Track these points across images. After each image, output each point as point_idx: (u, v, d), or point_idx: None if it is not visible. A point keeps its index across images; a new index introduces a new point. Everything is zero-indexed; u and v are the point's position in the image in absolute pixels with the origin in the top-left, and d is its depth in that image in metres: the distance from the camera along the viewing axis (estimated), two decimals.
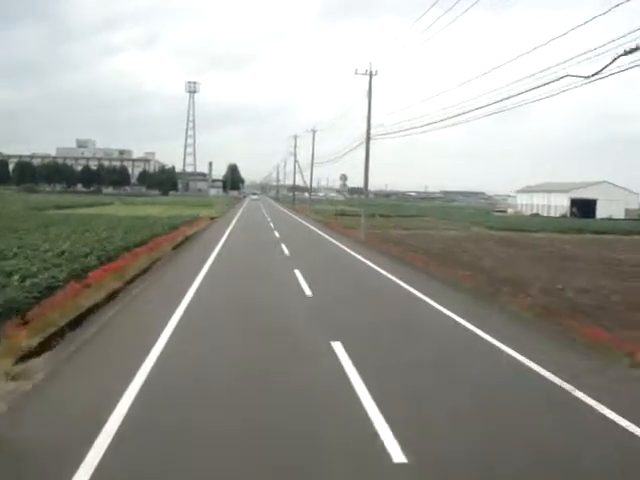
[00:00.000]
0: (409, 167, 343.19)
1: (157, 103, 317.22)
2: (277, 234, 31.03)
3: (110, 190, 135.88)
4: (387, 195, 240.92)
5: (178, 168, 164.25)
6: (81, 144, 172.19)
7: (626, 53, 10.26)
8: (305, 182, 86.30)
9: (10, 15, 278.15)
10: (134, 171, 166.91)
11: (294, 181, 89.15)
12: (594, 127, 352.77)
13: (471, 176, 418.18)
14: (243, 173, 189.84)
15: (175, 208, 65.92)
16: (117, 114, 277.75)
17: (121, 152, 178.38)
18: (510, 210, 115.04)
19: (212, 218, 46.16)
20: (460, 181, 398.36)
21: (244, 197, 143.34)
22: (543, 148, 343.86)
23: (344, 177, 35.90)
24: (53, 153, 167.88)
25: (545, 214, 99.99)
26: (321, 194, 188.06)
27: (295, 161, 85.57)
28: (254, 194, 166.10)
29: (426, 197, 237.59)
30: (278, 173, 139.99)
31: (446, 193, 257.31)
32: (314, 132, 61.32)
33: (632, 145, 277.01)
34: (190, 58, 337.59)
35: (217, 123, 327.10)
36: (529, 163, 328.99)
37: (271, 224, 40.91)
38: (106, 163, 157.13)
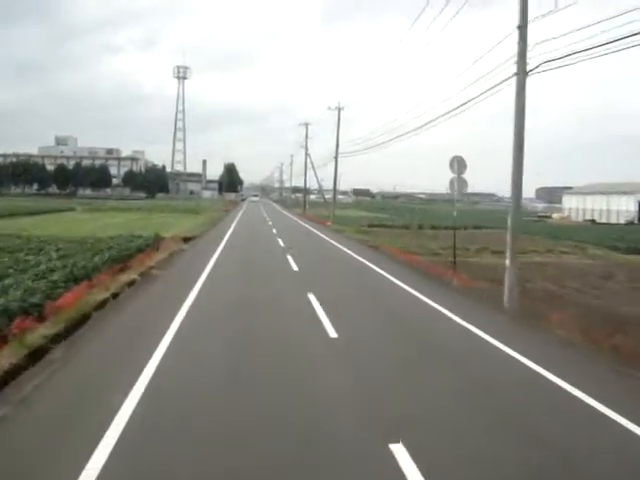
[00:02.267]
0: (409, 169, 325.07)
1: (154, 104, 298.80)
2: (317, 305, 12.08)
3: (88, 192, 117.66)
4: (396, 197, 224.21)
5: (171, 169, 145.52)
6: (60, 141, 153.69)
7: None
8: (319, 182, 68.00)
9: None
10: (120, 171, 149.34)
11: (305, 180, 70.90)
12: (593, 128, 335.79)
13: (476, 177, 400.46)
14: (242, 174, 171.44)
15: (146, 218, 48.31)
16: (114, 115, 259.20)
17: (109, 151, 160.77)
18: (556, 215, 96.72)
19: (186, 239, 27.70)
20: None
21: (242, 200, 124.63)
22: (544, 149, 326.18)
23: (458, 162, 16.88)
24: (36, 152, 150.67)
25: (603, 220, 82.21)
26: (328, 197, 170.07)
27: (306, 154, 67.35)
28: (254, 196, 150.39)
29: (436, 199, 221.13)
30: (281, 172, 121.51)
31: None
32: (339, 110, 43.18)
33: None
34: (189, 57, 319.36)
35: (216, 124, 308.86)
36: (531, 164, 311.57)
37: (289, 258, 21.59)
38: (90, 162, 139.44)
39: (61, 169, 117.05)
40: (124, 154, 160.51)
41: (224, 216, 55.53)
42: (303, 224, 45.06)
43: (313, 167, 65.07)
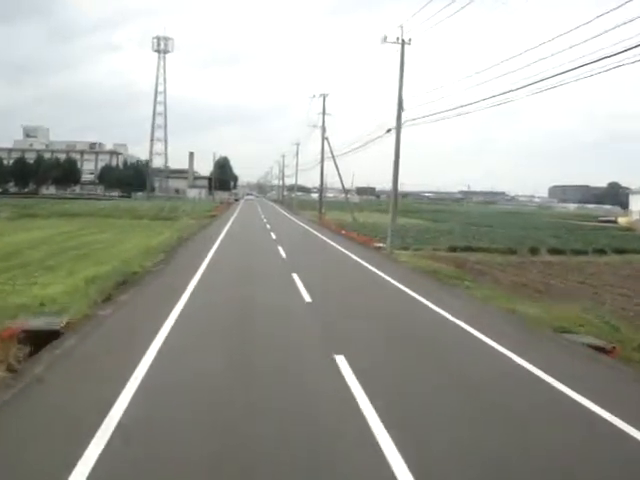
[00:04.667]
0: (410, 166, 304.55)
1: (147, 102, 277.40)
2: None
3: (52, 191, 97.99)
4: (403, 195, 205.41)
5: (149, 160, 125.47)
6: (29, 132, 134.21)
7: None
8: (340, 175, 48.53)
9: None
10: (97, 166, 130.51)
11: (322, 171, 50.76)
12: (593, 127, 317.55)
13: (478, 175, 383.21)
14: (237, 171, 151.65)
15: (80, 232, 30.18)
16: (108, 114, 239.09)
17: (91, 145, 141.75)
18: (622, 220, 77.64)
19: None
20: (469, 180, 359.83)
21: (236, 200, 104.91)
22: (544, 147, 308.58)
23: None
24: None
25: None
26: (331, 195, 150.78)
27: (323, 138, 47.87)
28: (249, 194, 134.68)
29: (444, 198, 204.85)
30: (283, 166, 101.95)
31: (466, 193, 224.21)
32: (403, 43, 23.48)
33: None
34: (185, 56, 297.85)
35: (210, 123, 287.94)
36: (534, 162, 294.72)
37: None
38: (60, 157, 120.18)
39: (20, 164, 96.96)
40: (105, 146, 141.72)
41: (206, 226, 36.41)
42: (340, 249, 24.92)
43: (332, 155, 45.87)
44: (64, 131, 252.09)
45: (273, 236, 28.68)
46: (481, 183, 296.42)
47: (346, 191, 51.63)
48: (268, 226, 36.70)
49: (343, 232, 34.37)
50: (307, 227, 38.75)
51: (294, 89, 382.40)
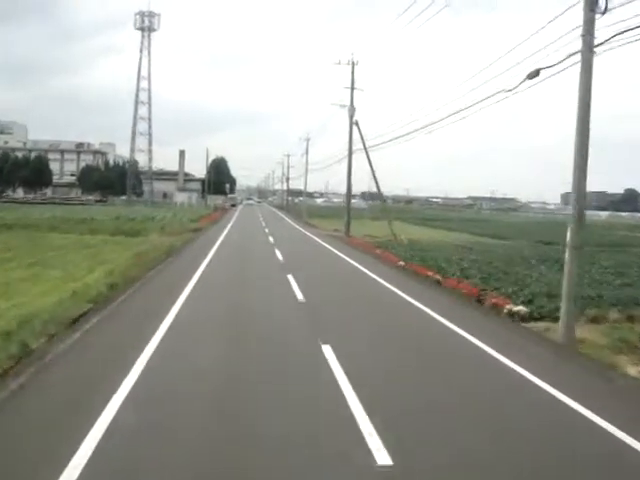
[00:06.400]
0: (414, 171, 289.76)
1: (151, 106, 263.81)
2: None
3: (21, 194, 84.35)
4: (409, 201, 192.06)
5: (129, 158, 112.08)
6: (4, 129, 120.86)
7: None
8: (374, 173, 34.71)
9: None
10: (80, 167, 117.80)
11: (349, 168, 35.45)
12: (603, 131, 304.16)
13: (485, 181, 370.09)
14: (234, 173, 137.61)
15: None
16: (103, 115, 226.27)
17: (78, 145, 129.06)
18: None
19: None
20: (474, 186, 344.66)
21: (233, 206, 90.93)
22: (552, 152, 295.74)
23: None
24: None
25: None
26: (338, 200, 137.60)
27: (352, 124, 34.18)
28: (249, 199, 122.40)
29: (454, 204, 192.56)
30: (288, 167, 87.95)
31: (475, 199, 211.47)
32: None
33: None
34: (186, 57, 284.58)
35: (209, 125, 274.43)
36: (542, 168, 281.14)
37: None
38: (34, 155, 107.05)
39: None
40: (94, 146, 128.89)
41: (179, 249, 22.96)
42: (453, 328, 11.27)
43: (364, 143, 32.12)
44: (62, 132, 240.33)
45: (293, 283, 14.60)
46: (488, 189, 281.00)
47: (383, 197, 38.00)
48: (279, 254, 22.41)
49: (401, 263, 20.65)
50: (340, 254, 24.29)
51: (295, 91, 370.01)
